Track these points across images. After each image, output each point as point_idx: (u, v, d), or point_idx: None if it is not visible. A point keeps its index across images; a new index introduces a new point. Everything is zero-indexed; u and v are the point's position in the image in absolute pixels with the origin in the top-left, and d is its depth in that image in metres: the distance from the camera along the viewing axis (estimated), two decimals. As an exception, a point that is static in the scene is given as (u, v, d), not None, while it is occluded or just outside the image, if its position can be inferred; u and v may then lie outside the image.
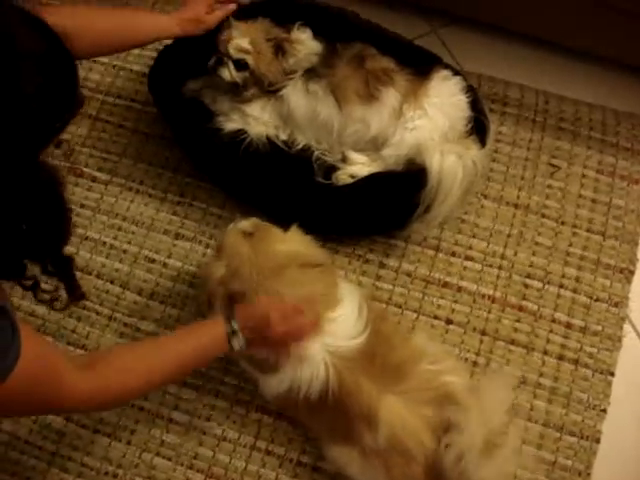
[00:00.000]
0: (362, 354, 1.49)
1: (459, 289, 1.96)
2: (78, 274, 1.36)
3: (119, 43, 1.75)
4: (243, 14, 1.89)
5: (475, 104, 1.88)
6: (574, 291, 1.96)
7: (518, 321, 1.92)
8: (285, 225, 1.61)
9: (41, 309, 1.95)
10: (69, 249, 1.23)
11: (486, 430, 1.40)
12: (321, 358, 1.48)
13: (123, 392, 1.38)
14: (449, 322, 1.92)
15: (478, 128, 1.87)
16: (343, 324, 1.51)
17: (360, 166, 1.86)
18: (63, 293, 1.30)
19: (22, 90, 0.96)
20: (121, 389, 1.36)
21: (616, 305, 1.94)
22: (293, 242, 1.58)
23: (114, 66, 2.31)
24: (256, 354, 1.54)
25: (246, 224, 1.62)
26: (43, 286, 1.25)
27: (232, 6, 1.84)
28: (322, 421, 1.58)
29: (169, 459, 1.80)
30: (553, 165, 2.13)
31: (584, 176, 2.12)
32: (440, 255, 2.00)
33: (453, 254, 2.00)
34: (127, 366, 1.37)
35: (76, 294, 1.34)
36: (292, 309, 1.47)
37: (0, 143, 0.95)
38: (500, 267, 1.98)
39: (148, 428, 1.83)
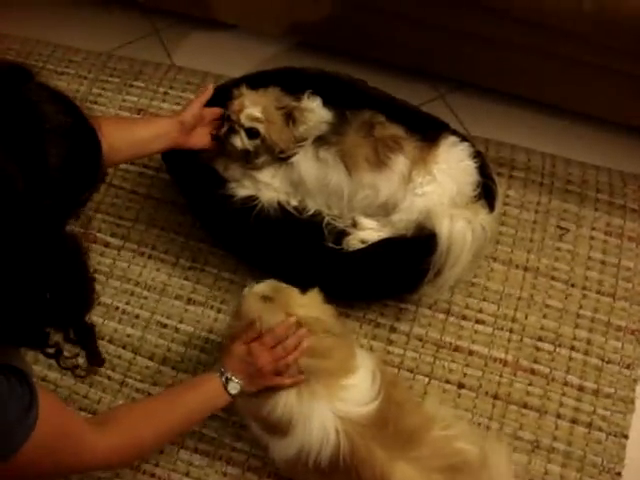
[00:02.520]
0: (374, 420, 1.48)
1: (470, 353, 1.95)
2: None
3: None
4: (254, 83, 1.94)
5: (483, 169, 1.90)
6: (585, 353, 1.95)
7: (530, 384, 1.91)
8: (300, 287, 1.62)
9: (53, 374, 1.94)
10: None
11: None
12: (332, 423, 1.46)
13: (139, 447, 1.46)
14: (461, 386, 1.91)
15: (486, 193, 1.89)
16: (356, 391, 1.51)
17: (370, 231, 1.87)
18: (81, 359, 1.32)
19: (48, 163, 0.98)
20: (136, 444, 1.43)
21: (628, 367, 1.93)
22: (312, 308, 1.58)
23: (127, 133, 2.35)
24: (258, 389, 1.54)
25: (265, 288, 1.61)
26: (65, 353, 1.26)
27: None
28: (333, 488, 1.57)
29: (181, 527, 1.79)
30: (561, 227, 2.15)
31: (592, 238, 2.13)
32: (451, 319, 2.00)
33: (464, 317, 2.01)
34: (138, 422, 1.44)
35: (97, 360, 1.36)
36: (270, 337, 1.52)
37: (27, 215, 0.97)
38: (511, 330, 1.98)
39: (160, 496, 1.82)
